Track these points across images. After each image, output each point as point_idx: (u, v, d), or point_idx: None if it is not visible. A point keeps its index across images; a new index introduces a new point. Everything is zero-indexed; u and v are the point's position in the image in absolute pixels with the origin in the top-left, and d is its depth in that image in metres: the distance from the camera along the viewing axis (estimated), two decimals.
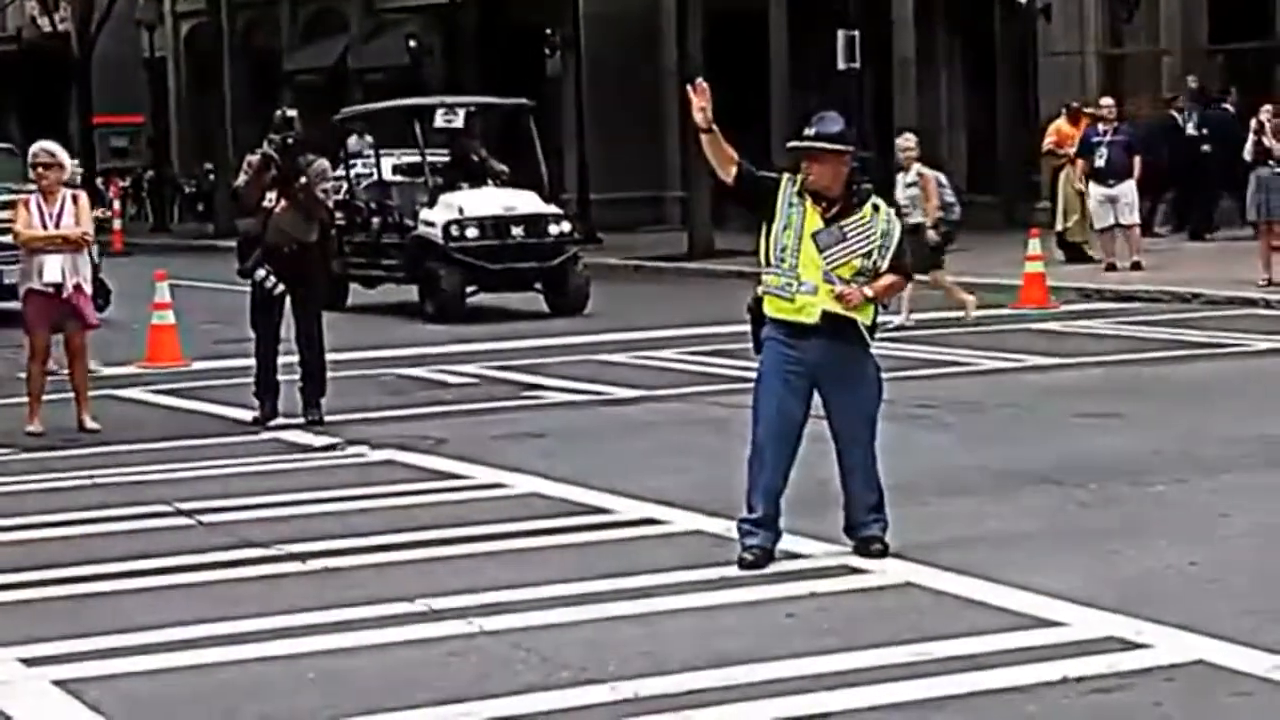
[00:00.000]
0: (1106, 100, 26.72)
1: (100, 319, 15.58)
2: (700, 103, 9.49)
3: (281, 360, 15.15)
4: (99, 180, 48.56)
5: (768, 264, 9.51)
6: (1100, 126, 25.83)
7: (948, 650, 7.84)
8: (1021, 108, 33.78)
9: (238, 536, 10.63)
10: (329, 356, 15.32)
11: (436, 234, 23.81)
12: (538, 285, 24.07)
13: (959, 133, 35.92)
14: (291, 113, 15.28)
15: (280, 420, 14.89)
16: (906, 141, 20.79)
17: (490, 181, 25.10)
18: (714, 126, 9.54)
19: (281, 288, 14.83)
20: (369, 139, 30.24)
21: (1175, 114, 29.54)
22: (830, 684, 7.43)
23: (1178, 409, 14.46)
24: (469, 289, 23.82)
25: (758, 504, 9.53)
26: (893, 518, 9.77)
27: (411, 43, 44.14)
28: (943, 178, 20.90)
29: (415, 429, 14.53)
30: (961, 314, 20.34)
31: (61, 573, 9.82)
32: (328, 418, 14.90)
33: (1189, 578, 9.13)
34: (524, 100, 27.03)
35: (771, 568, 9.35)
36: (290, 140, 15.01)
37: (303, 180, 14.80)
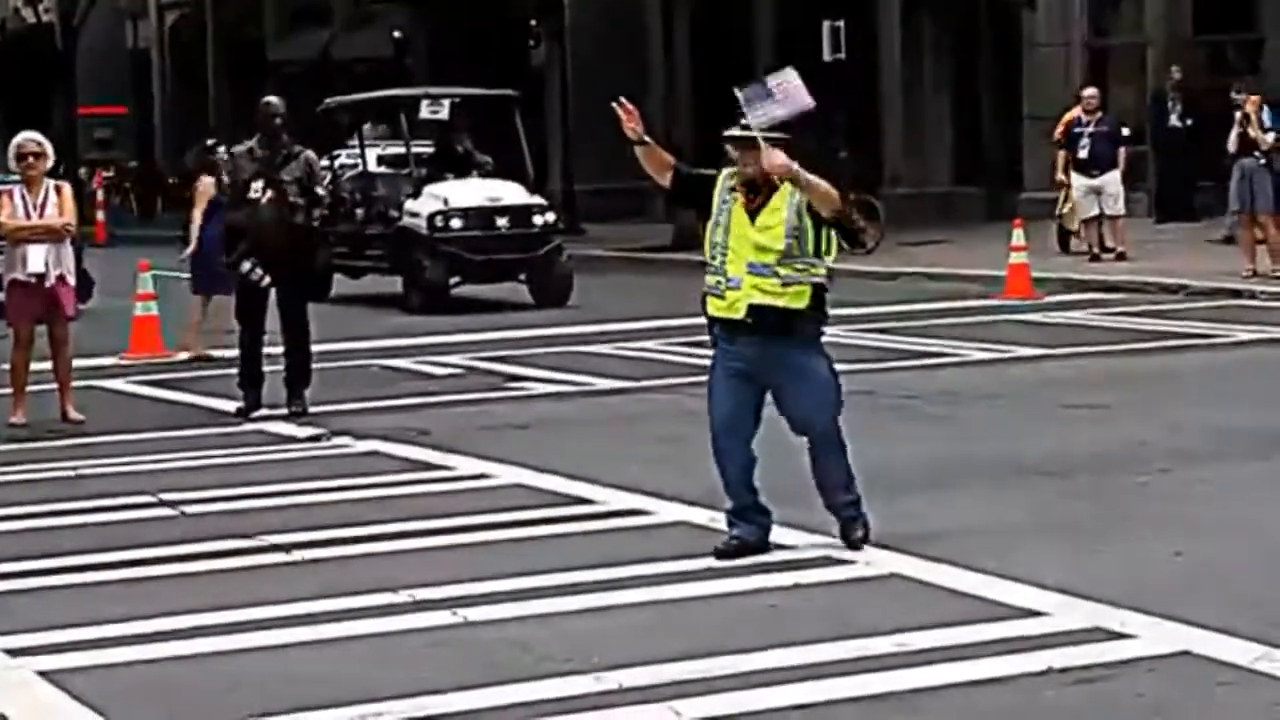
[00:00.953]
0: (1090, 91, 26.72)
1: (83, 309, 15.54)
2: (629, 121, 9.49)
3: (266, 351, 15.12)
4: (82, 171, 48.47)
5: (708, 262, 9.48)
6: (1084, 117, 25.84)
7: (932, 641, 7.84)
8: (1006, 100, 33.79)
9: (221, 527, 10.62)
10: (314, 348, 15.30)
11: (421, 225, 23.80)
12: (522, 276, 24.06)
13: (944, 124, 35.92)
14: (276, 103, 15.22)
15: (264, 411, 14.87)
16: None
17: (475, 173, 25.09)
18: (646, 139, 9.56)
19: (268, 280, 14.80)
20: (383, 127, 30.20)
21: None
22: (814, 674, 7.43)
23: (1163, 400, 14.48)
24: (453, 280, 23.82)
25: (729, 497, 9.59)
26: (877, 509, 9.76)
27: (396, 34, 44.10)
28: None
29: (399, 420, 14.52)
30: None
31: (45, 563, 9.81)
32: (312, 409, 14.89)
33: (1174, 568, 9.14)
34: (509, 91, 27.00)
35: (756, 558, 9.34)
36: (276, 129, 14.96)
37: (298, 174, 14.79)
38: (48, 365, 15.05)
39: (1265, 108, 23.97)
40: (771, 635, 8.03)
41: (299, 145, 15.23)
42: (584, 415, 14.88)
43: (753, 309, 9.28)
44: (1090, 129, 25.61)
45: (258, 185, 14.84)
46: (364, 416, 14.80)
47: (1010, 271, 22.58)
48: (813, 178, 9.20)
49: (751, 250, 9.25)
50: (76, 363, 15.35)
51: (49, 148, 14.99)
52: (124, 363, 18.68)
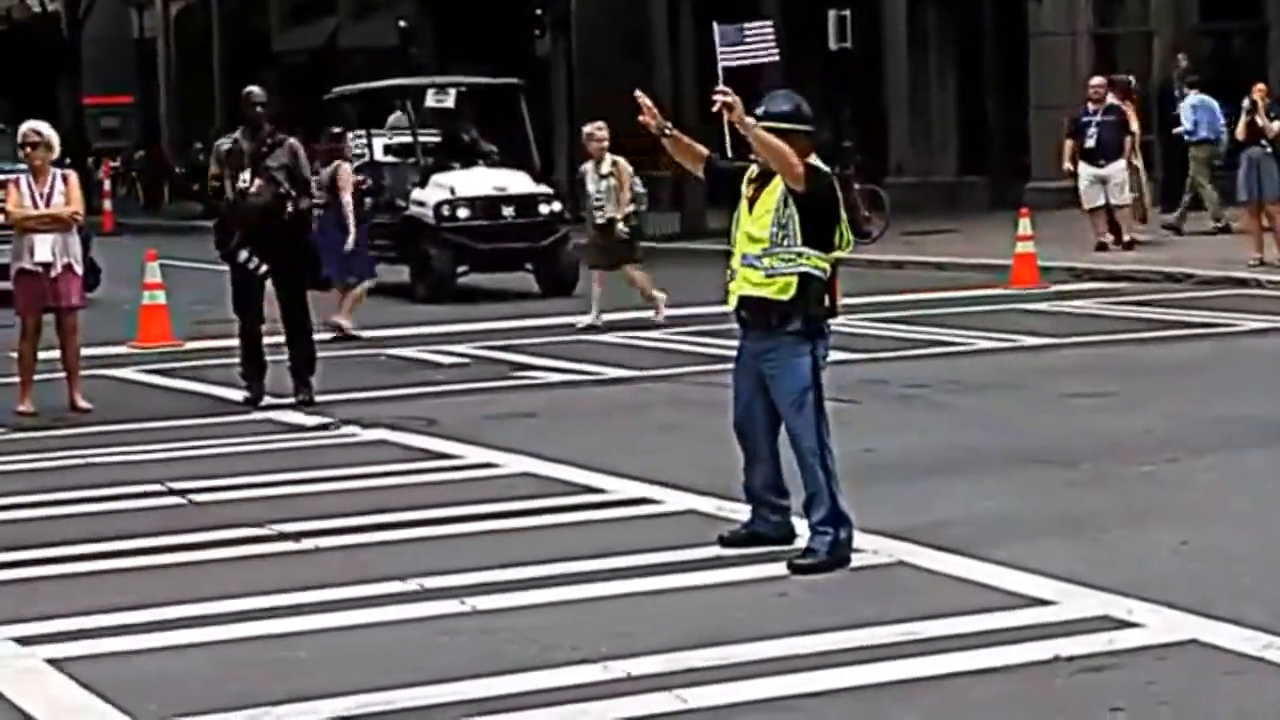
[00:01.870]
0: (1096, 80, 26.70)
1: (90, 298, 15.56)
2: (648, 116, 9.40)
3: (267, 341, 15.12)
4: (89, 160, 48.49)
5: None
6: (1090, 106, 25.82)
7: (938, 629, 7.86)
8: (1012, 88, 33.76)
9: (230, 516, 10.64)
10: (320, 336, 15.32)
11: (428, 214, 23.80)
12: (528, 265, 24.06)
13: (949, 114, 35.90)
14: (259, 93, 15.20)
15: (270, 400, 14.88)
16: (599, 130, 19.95)
17: (481, 162, 25.08)
18: (669, 130, 9.45)
19: (265, 268, 14.78)
20: (403, 115, 30.21)
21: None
22: (821, 663, 7.44)
23: (1169, 389, 14.48)
24: (460, 269, 23.82)
25: (745, 488, 9.54)
26: (884, 497, 9.78)
27: (401, 23, 44.09)
28: (629, 168, 20.24)
29: (407, 409, 14.54)
30: (652, 313, 19.60)
31: (54, 552, 9.82)
32: (320, 397, 14.91)
33: (1181, 557, 9.14)
34: (514, 80, 27.00)
35: (763, 547, 9.34)
36: (259, 118, 14.94)
37: (285, 160, 14.78)
38: (56, 354, 15.08)
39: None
40: (779, 624, 8.04)
41: (282, 134, 15.23)
42: (591, 404, 14.89)
43: (741, 300, 9.26)
44: (1096, 118, 25.58)
45: (245, 176, 14.82)
46: (371, 405, 14.82)
47: (1016, 261, 22.57)
48: (768, 138, 8.95)
49: (746, 241, 9.23)
50: (84, 351, 15.37)
51: (52, 138, 14.97)
52: (132, 351, 18.71)
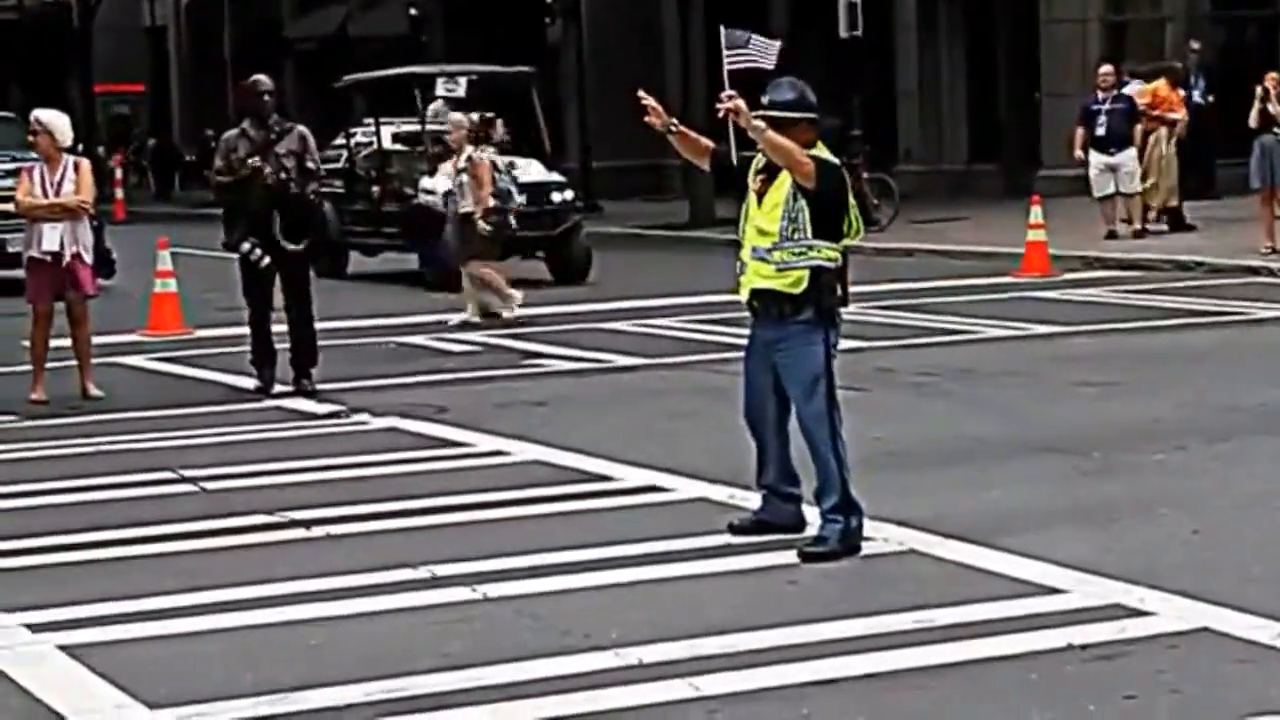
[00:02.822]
0: (1106, 68, 26.65)
1: (102, 285, 15.58)
2: (653, 115, 9.39)
3: (276, 329, 15.12)
4: (100, 149, 48.51)
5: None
6: (1100, 94, 25.78)
7: (950, 617, 7.86)
8: (1023, 76, 33.73)
9: (242, 503, 10.65)
10: (330, 325, 15.34)
11: (437, 202, 23.77)
12: (540, 253, 24.05)
13: (960, 101, 35.86)
14: (265, 81, 15.17)
15: (281, 388, 14.89)
16: (460, 120, 19.58)
17: (492, 150, 25.03)
18: (674, 126, 9.44)
19: (268, 259, 14.74)
20: (441, 103, 30.20)
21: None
22: (833, 651, 7.45)
23: (1180, 377, 14.47)
24: None
25: (757, 476, 9.54)
26: (894, 485, 9.78)
27: (412, 11, 44.06)
28: (501, 163, 20.02)
29: (417, 397, 14.54)
30: (504, 311, 19.20)
31: (66, 539, 9.84)
32: (331, 385, 14.92)
33: (1192, 545, 9.14)
34: (526, 68, 26.99)
35: (774, 535, 9.34)
36: (266, 107, 14.91)
37: (293, 149, 14.76)
38: (68, 342, 15.10)
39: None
40: (791, 611, 8.05)
41: (290, 122, 15.22)
42: (602, 392, 14.90)
43: (752, 293, 9.26)
44: (1106, 106, 25.54)
45: (255, 160, 14.76)
46: (382, 393, 14.83)
47: (1027, 249, 22.56)
48: (777, 139, 8.95)
49: (755, 234, 9.22)
50: (96, 339, 15.39)
51: (58, 125, 14.90)
52: (143, 339, 18.73)
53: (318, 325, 15.24)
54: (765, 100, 9.21)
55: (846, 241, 9.24)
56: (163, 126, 56.67)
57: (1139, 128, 25.62)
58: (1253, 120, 22.97)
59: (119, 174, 45.22)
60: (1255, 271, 21.55)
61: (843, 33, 30.40)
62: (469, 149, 19.46)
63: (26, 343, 15.24)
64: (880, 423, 12.35)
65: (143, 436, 13.08)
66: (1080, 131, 25.82)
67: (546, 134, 25.90)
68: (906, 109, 36.19)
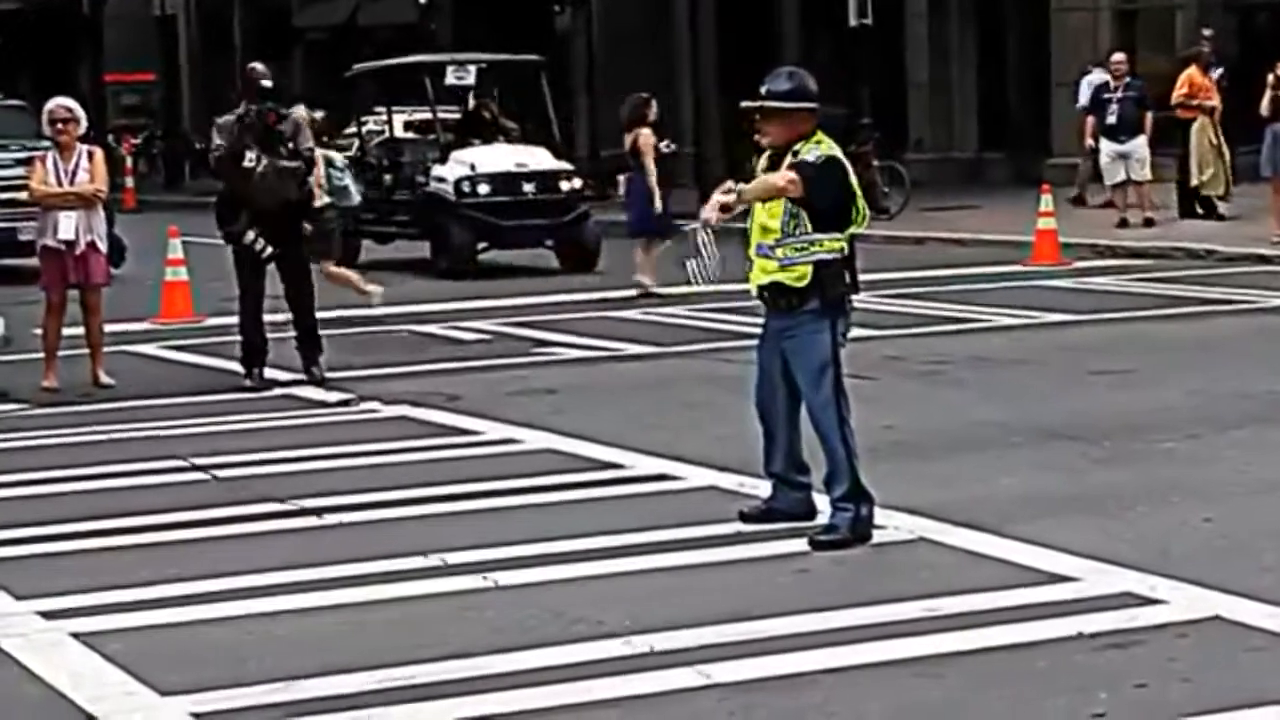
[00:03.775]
0: (1118, 56, 26.62)
1: (114, 274, 15.60)
2: (721, 215, 9.20)
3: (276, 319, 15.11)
4: (110, 137, 48.53)
5: None
6: (1111, 82, 25.74)
7: (960, 605, 7.86)
8: (1033, 64, 33.68)
9: (252, 491, 10.66)
10: (341, 313, 15.33)
11: (448, 190, 23.81)
12: (549, 242, 24.06)
13: (970, 89, 35.82)
14: (262, 69, 15.15)
15: (283, 376, 14.88)
16: (303, 117, 18.87)
17: (501, 138, 25.08)
18: (735, 196, 9.17)
19: (270, 250, 14.72)
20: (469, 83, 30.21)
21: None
22: (843, 639, 7.45)
23: (1190, 365, 14.45)
24: (480, 245, 23.82)
25: (765, 464, 9.55)
26: (905, 474, 9.77)
27: None
28: (338, 159, 19.78)
29: (428, 385, 14.56)
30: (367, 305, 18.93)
31: (78, 527, 9.86)
32: (342, 373, 14.94)
33: (1203, 534, 9.13)
34: (535, 57, 26.98)
35: (784, 523, 9.35)
36: (266, 96, 14.90)
37: (287, 137, 14.73)
38: (80, 330, 15.12)
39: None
40: (801, 599, 8.05)
41: (286, 109, 15.20)
42: (612, 380, 14.90)
43: (760, 288, 9.30)
44: (1118, 94, 25.51)
45: (252, 155, 14.75)
46: (392, 381, 14.84)
47: (1037, 237, 22.54)
48: (757, 189, 9.07)
49: (760, 231, 9.26)
50: (107, 328, 15.40)
51: (80, 113, 15.03)
52: (155, 327, 18.75)
53: (331, 314, 15.25)
54: (763, 90, 9.23)
55: (853, 230, 9.23)
56: (173, 115, 56.65)
57: (1148, 114, 25.57)
58: (1264, 108, 22.94)
59: (129, 162, 45.20)
60: (1267, 260, 21.52)
61: (852, 20, 30.37)
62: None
63: (38, 331, 15.26)
64: (890, 411, 12.35)
65: (154, 425, 13.09)
66: (1091, 120, 25.80)
67: (555, 122, 25.88)
68: (917, 98, 36.15)
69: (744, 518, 9.45)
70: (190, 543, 9.54)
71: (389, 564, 8.84)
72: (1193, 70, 25.95)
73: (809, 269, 9.09)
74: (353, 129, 27.19)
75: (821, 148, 9.17)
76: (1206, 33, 28.78)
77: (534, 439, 12.06)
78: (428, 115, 25.75)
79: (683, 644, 7.43)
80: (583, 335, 17.21)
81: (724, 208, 9.14)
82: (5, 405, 14.18)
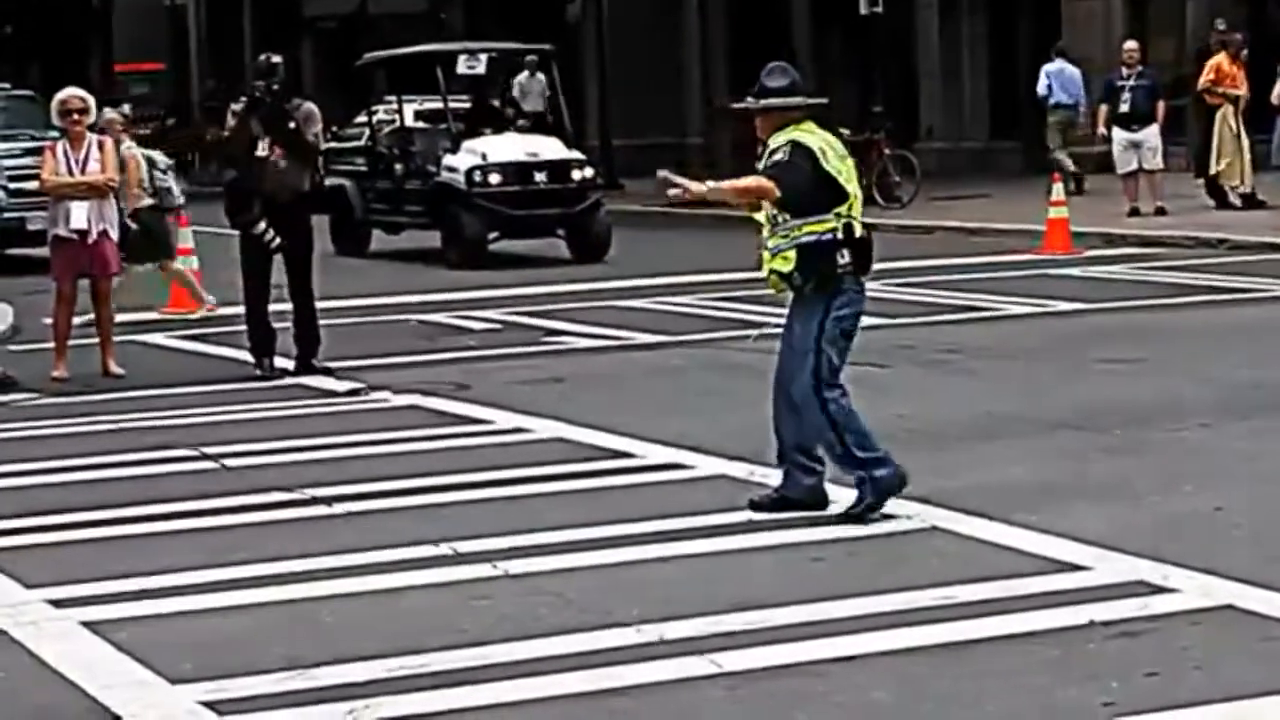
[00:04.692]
0: (1130, 44, 26.56)
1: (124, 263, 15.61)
2: (683, 194, 9.49)
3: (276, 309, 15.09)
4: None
5: None
6: (1124, 70, 25.70)
7: (973, 594, 7.85)
8: (1044, 53, 33.60)
9: (262, 480, 10.66)
10: (352, 303, 15.32)
11: (459, 180, 23.78)
12: (560, 231, 24.04)
13: (981, 78, 35.72)
14: (276, 59, 15.12)
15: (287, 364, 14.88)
16: (113, 116, 18.28)
17: (512, 128, 25.05)
18: (708, 187, 9.51)
19: (278, 241, 14.68)
20: (541, 77, 30.20)
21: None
22: (856, 628, 7.44)
23: (1202, 354, 14.42)
24: (491, 235, 23.81)
25: (777, 442, 9.56)
26: (917, 462, 9.72)
27: None
28: (159, 158, 19.34)
29: (438, 374, 14.55)
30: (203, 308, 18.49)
31: (89, 516, 9.86)
32: (351, 363, 14.93)
33: (1215, 522, 9.11)
34: (546, 46, 26.95)
35: (797, 513, 9.34)
36: (276, 86, 14.88)
37: (293, 125, 14.70)
38: (89, 319, 15.12)
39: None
40: (813, 588, 8.04)
41: (297, 98, 15.18)
42: (622, 369, 14.89)
43: (767, 276, 9.47)
44: (1130, 82, 25.46)
45: (264, 144, 14.71)
46: (402, 371, 14.83)
47: (1049, 226, 22.49)
48: (725, 187, 9.45)
49: (763, 223, 9.46)
50: (117, 317, 15.40)
51: (92, 103, 15.04)
52: (164, 317, 18.75)
53: (341, 303, 15.23)
54: (756, 88, 9.43)
55: (844, 210, 9.23)
56: (182, 105, 56.65)
57: (1160, 103, 25.51)
58: (1275, 97, 22.91)
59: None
60: (1277, 249, 21.45)
61: (863, 9, 30.30)
62: (126, 142, 17.96)
63: (48, 320, 15.26)
64: (902, 400, 12.34)
65: (164, 414, 13.09)
66: (1104, 108, 25.74)
67: (566, 112, 25.86)
68: (928, 86, 36.07)
69: (755, 506, 9.44)
70: (200, 531, 9.54)
71: (399, 553, 8.84)
72: (1222, 57, 25.84)
73: (793, 253, 9.25)
74: (363, 118, 27.16)
75: (788, 134, 9.30)
76: (1220, 25, 28.71)
77: (544, 428, 12.05)
78: (439, 105, 25.70)
79: (693, 633, 7.42)
80: (593, 324, 17.19)
81: (683, 188, 9.42)
82: (15, 394, 14.19)
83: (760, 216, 9.45)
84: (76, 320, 15.21)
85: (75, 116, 14.79)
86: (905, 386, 13.14)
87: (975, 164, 34.14)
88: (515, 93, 29.55)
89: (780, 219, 9.26)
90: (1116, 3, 32.44)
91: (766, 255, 9.38)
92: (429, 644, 7.38)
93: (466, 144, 24.16)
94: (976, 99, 35.65)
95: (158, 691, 7.03)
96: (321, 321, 15.06)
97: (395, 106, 26.59)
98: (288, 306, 14.95)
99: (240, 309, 15.26)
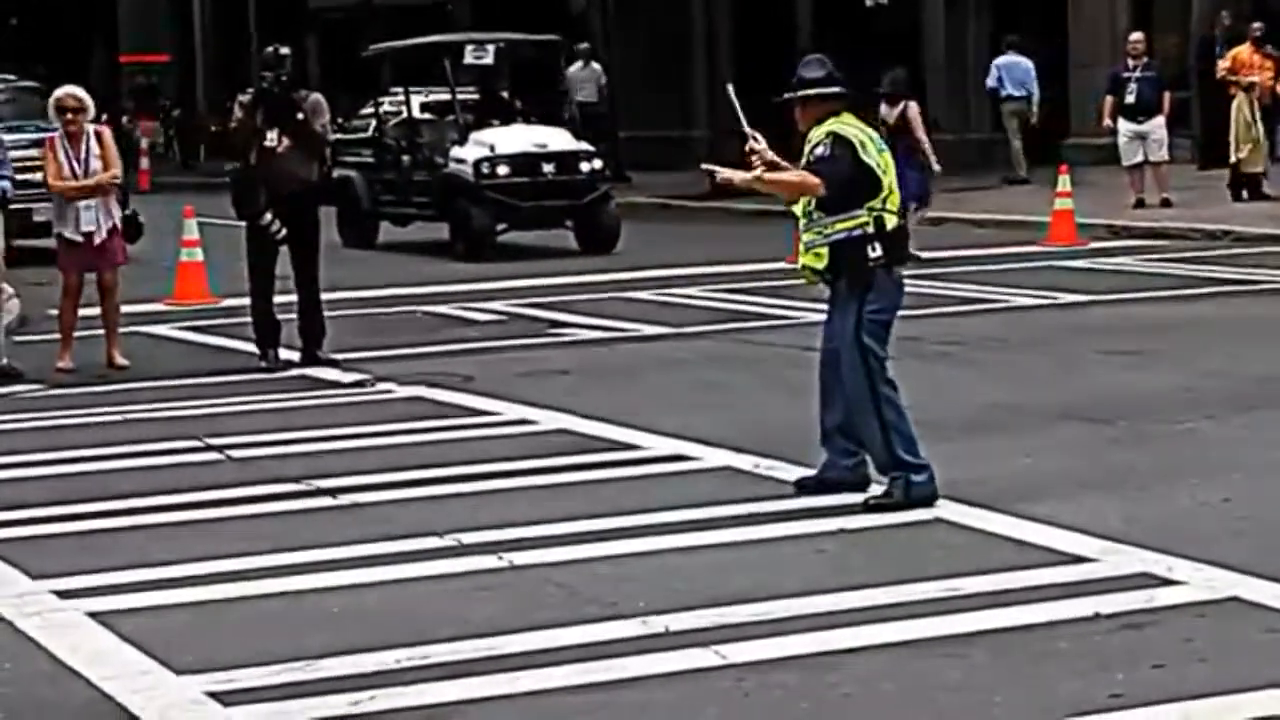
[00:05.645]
0: (1136, 36, 26.52)
1: (130, 251, 15.60)
2: (729, 176, 9.63)
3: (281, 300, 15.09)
4: (124, 119, 48.56)
5: None
6: (1130, 62, 25.66)
7: (978, 586, 7.84)
8: (1050, 45, 33.54)
9: (267, 472, 10.66)
10: (358, 294, 15.30)
11: (467, 171, 23.75)
12: (568, 223, 24.01)
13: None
14: (284, 50, 15.11)
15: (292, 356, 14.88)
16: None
17: (520, 119, 25.04)
18: (753, 175, 9.50)
19: (284, 232, 14.67)
20: (596, 66, 30.14)
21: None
22: (860, 619, 7.44)
23: (1207, 346, 14.41)
24: (499, 227, 23.79)
25: (820, 424, 9.67)
26: (922, 455, 9.71)
27: None
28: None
29: (443, 366, 14.54)
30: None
31: (94, 507, 9.86)
32: (356, 354, 14.93)
33: (1221, 514, 9.10)
34: (554, 37, 26.92)
35: (801, 503, 9.35)
36: (284, 77, 14.86)
37: (300, 116, 14.68)
38: (95, 311, 15.12)
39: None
40: (818, 580, 8.04)
41: (305, 89, 15.16)
42: (628, 361, 14.88)
43: (803, 268, 9.55)
44: (1136, 74, 25.43)
45: (272, 135, 14.70)
46: (408, 362, 14.83)
47: (1054, 218, 22.48)
48: (775, 178, 9.44)
49: (799, 216, 9.52)
50: (122, 309, 15.40)
51: (88, 101, 14.98)
52: (169, 308, 18.75)
53: (346, 295, 15.22)
54: (795, 79, 9.47)
55: (878, 203, 9.30)
56: (187, 97, 56.64)
57: (1166, 95, 25.46)
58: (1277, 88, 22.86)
59: (144, 143, 45.19)
60: None
61: (869, 1, 30.29)
62: None
63: (54, 311, 15.27)
64: (907, 391, 12.20)
65: (169, 405, 13.10)
66: (1109, 99, 25.71)
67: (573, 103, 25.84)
68: (933, 79, 36.02)
69: (800, 488, 9.55)
70: (205, 522, 9.54)
71: (403, 544, 8.84)
72: (1243, 47, 25.74)
73: (826, 250, 9.34)
74: (369, 109, 27.14)
75: (827, 126, 9.34)
76: (1225, 17, 28.68)
77: (549, 419, 12.05)
78: (446, 96, 25.68)
79: (698, 624, 7.42)
80: (599, 316, 17.18)
81: (728, 177, 9.57)
82: (21, 386, 14.19)
83: (797, 209, 9.52)
84: (82, 311, 15.21)
85: (70, 115, 14.77)
86: (910, 378, 13.03)
87: (981, 156, 34.10)
88: (568, 85, 29.35)
89: (815, 215, 9.33)
90: None
91: (803, 248, 9.48)
92: (434, 635, 7.38)
93: (474, 135, 24.14)
94: (981, 91, 35.57)
95: (163, 682, 7.03)
96: (327, 313, 15.08)
97: (402, 98, 26.59)
98: (293, 298, 14.95)
99: (245, 300, 15.25)
